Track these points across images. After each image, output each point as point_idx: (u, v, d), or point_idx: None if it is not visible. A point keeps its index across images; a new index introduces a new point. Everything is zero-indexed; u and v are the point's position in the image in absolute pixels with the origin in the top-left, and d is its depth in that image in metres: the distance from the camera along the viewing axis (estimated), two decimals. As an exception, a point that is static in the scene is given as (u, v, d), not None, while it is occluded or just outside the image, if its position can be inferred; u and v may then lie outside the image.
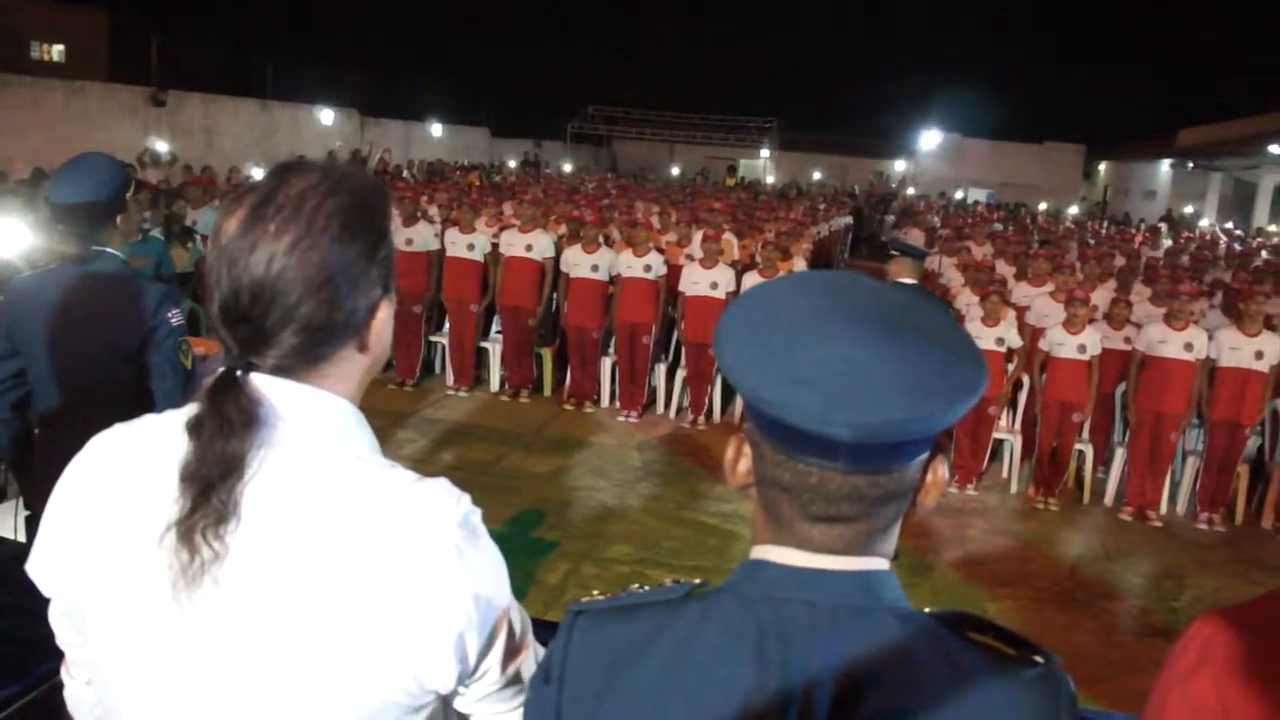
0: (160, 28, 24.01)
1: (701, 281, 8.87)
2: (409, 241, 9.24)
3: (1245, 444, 7.75)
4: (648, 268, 8.99)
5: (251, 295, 1.11)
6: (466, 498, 1.16)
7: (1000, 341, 7.82)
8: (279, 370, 1.14)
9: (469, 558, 1.12)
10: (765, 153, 42.61)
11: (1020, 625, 5.69)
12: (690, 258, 9.74)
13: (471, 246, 9.31)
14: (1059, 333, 7.76)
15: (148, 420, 1.22)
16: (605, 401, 9.34)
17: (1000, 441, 8.28)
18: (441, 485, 1.15)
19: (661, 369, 9.33)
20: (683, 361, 9.25)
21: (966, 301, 8.86)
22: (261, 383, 1.13)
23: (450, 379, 9.53)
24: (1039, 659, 1.02)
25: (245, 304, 1.11)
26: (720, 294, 8.84)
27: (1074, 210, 31.22)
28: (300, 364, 1.14)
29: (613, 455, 8.07)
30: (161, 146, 20.88)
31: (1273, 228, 25.38)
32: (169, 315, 3.03)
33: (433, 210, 11.52)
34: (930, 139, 41.44)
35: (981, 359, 1.01)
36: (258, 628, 1.07)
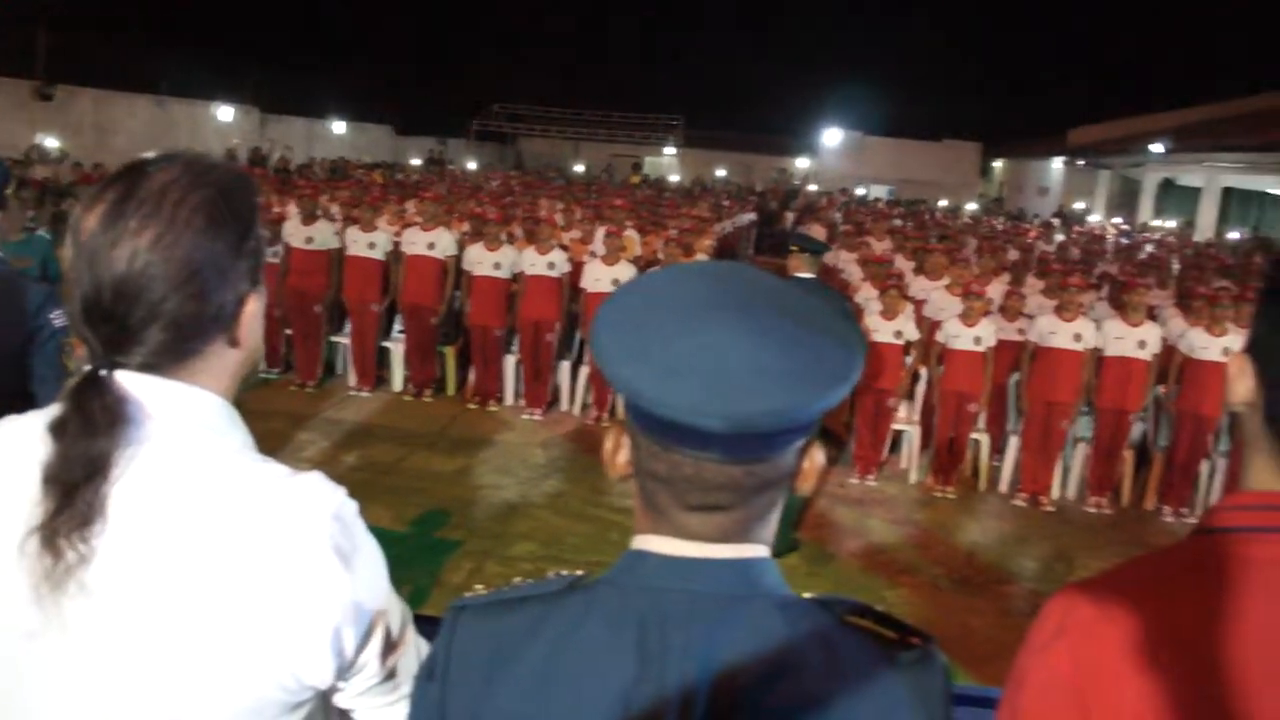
0: (48, 19, 23.20)
1: (604, 278, 8.88)
2: (309, 240, 9.11)
3: (1130, 430, 8.02)
4: (551, 265, 8.98)
5: (115, 292, 1.08)
6: (342, 491, 1.15)
7: (898, 334, 7.97)
8: (146, 368, 1.11)
9: (344, 551, 1.11)
10: (670, 150, 42.74)
11: (919, 610, 5.85)
12: (593, 255, 9.75)
13: (373, 245, 9.20)
14: (955, 325, 7.93)
15: (9, 422, 1.19)
16: (509, 399, 9.31)
17: (899, 432, 8.45)
18: (316, 479, 1.14)
19: (565, 366, 9.33)
20: (586, 358, 9.25)
21: (866, 295, 9.01)
22: (128, 381, 1.10)
23: (352, 379, 9.41)
24: (916, 641, 1.04)
25: (108, 301, 1.09)
26: (622, 290, 8.85)
27: (972, 206, 31.89)
28: (168, 361, 1.12)
29: (517, 453, 8.05)
30: (51, 143, 20.25)
31: (1156, 222, 26.24)
32: (51, 317, 2.94)
33: (334, 209, 11.36)
34: (832, 137, 41.97)
35: (855, 345, 1.02)
36: (128, 631, 1.05)
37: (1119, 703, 0.98)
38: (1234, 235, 23.62)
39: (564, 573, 1.09)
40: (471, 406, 9.15)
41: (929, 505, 7.81)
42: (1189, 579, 1.02)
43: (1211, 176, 23.25)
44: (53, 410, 1.10)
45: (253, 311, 1.20)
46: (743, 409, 0.92)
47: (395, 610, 1.22)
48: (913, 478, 8.29)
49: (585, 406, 9.29)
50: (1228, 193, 25.26)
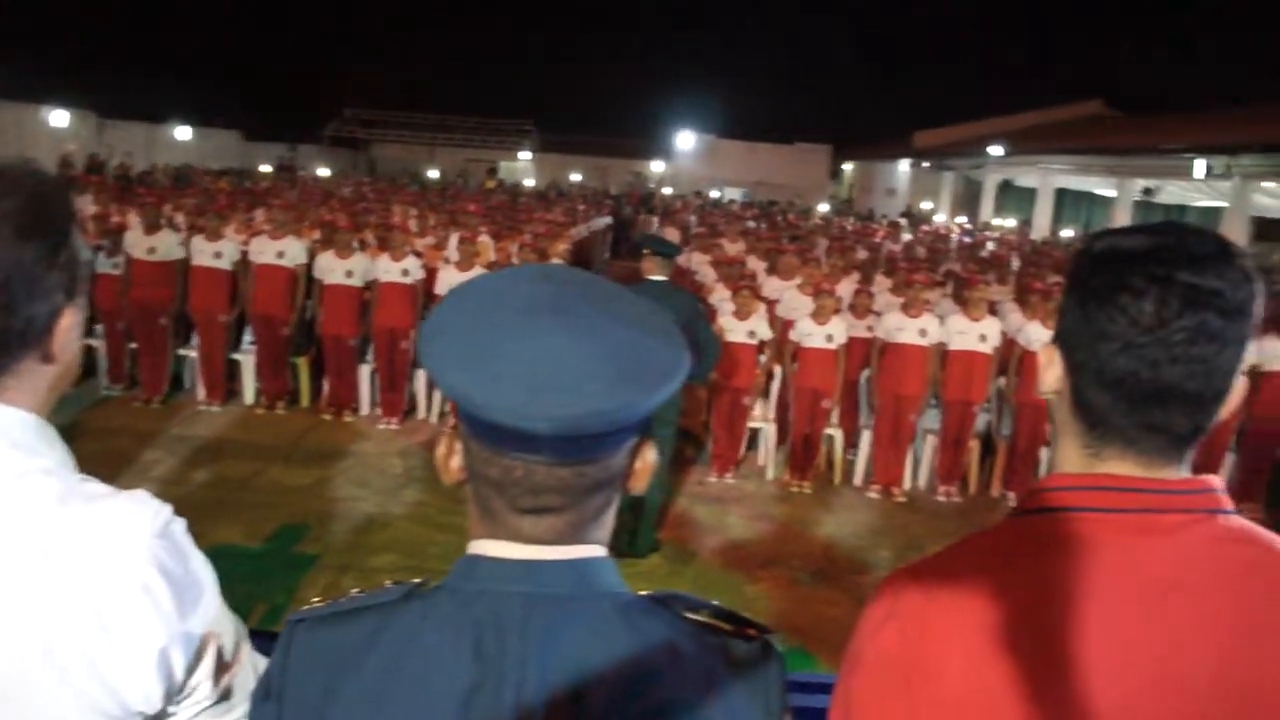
0: None
1: (456, 283, 8.78)
2: (151, 251, 8.79)
3: (975, 421, 8.32)
4: (405, 272, 8.86)
5: None
6: (167, 508, 1.11)
7: (752, 334, 8.11)
8: None
9: (170, 571, 1.07)
10: (526, 154, 42.73)
11: (778, 604, 5.96)
12: (448, 261, 9.66)
13: (219, 255, 8.92)
14: (807, 324, 8.11)
15: None
16: (365, 409, 9.15)
17: (756, 430, 8.58)
18: (138, 497, 1.10)
19: (421, 374, 9.20)
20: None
21: (720, 296, 9.14)
22: None
23: (201, 393, 9.10)
24: (753, 633, 1.06)
25: None
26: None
27: (823, 207, 32.64)
28: None
29: (374, 464, 7.91)
30: None
31: (997, 221, 27.30)
32: None
33: (178, 217, 10.99)
34: (686, 140, 42.52)
35: (680, 345, 1.03)
36: None
37: (941, 681, 1.04)
38: (1067, 233, 24.71)
39: (402, 581, 1.08)
40: (326, 418, 8.95)
41: (786, 500, 7.96)
42: (1006, 560, 1.09)
43: (1045, 178, 24.32)
44: None
45: (68, 326, 1.14)
46: (568, 411, 0.92)
47: (228, 629, 1.18)
48: (769, 474, 8.43)
49: (443, 414, 9.19)
50: (1061, 193, 26.45)
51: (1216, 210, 24.82)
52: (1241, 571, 1.07)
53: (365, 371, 9.12)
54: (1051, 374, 1.15)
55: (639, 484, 1.08)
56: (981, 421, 8.54)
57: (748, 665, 1.05)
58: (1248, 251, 1.11)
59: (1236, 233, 16.52)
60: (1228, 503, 1.11)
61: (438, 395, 9.18)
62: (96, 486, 1.09)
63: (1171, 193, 21.34)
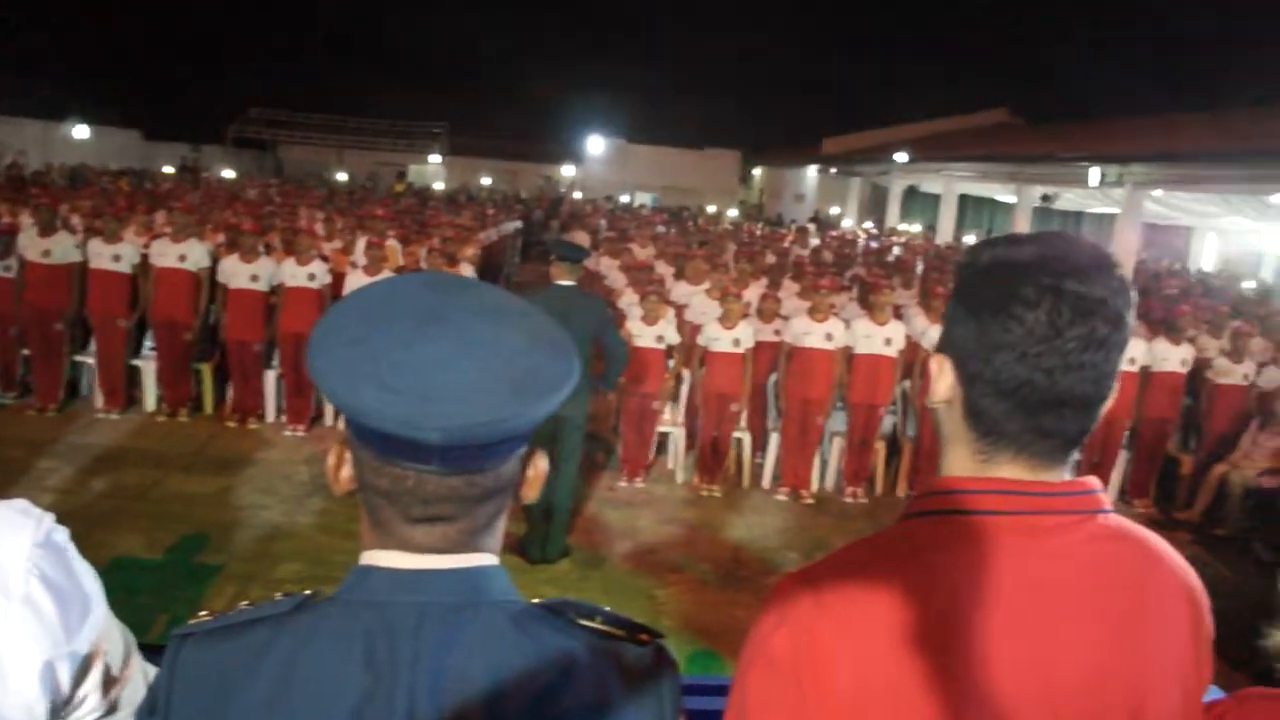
0: None
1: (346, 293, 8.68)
2: (46, 253, 8.54)
3: (881, 423, 8.46)
4: (311, 276, 8.73)
5: None
6: (49, 517, 1.08)
7: (660, 339, 8.15)
8: None
9: (53, 581, 1.04)
10: (436, 158, 42.37)
11: (688, 607, 6.00)
12: (355, 265, 9.55)
13: (118, 257, 8.69)
14: (715, 328, 8.17)
15: None
16: (271, 416, 8.99)
17: (665, 434, 8.63)
18: (18, 506, 1.07)
19: (330, 380, 9.07)
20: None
21: (628, 301, 9.17)
22: None
23: (99, 401, 8.86)
24: (645, 638, 1.08)
25: None
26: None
27: (732, 213, 32.92)
28: None
29: (280, 471, 7.78)
30: None
31: (903, 226, 27.79)
32: None
33: (75, 219, 10.69)
34: (597, 145, 42.59)
35: (571, 356, 1.04)
36: None
37: (833, 684, 1.06)
38: (970, 239, 25.24)
39: (294, 592, 1.07)
40: (231, 425, 8.78)
41: (696, 504, 8.01)
42: (895, 563, 1.11)
43: (949, 184, 24.78)
44: None
45: None
46: (458, 421, 0.94)
47: (116, 640, 1.16)
48: (679, 478, 8.48)
49: (351, 420, 9.06)
50: (964, 199, 27.00)
51: (1111, 217, 25.62)
52: (1117, 569, 1.13)
53: (271, 377, 8.96)
54: (943, 383, 1.18)
55: (531, 493, 1.09)
56: (887, 424, 8.69)
57: (641, 671, 1.06)
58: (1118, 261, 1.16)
59: (1129, 238, 17.03)
60: (1106, 502, 1.16)
61: (345, 401, 9.03)
62: None
63: (1069, 200, 21.88)
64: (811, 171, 36.46)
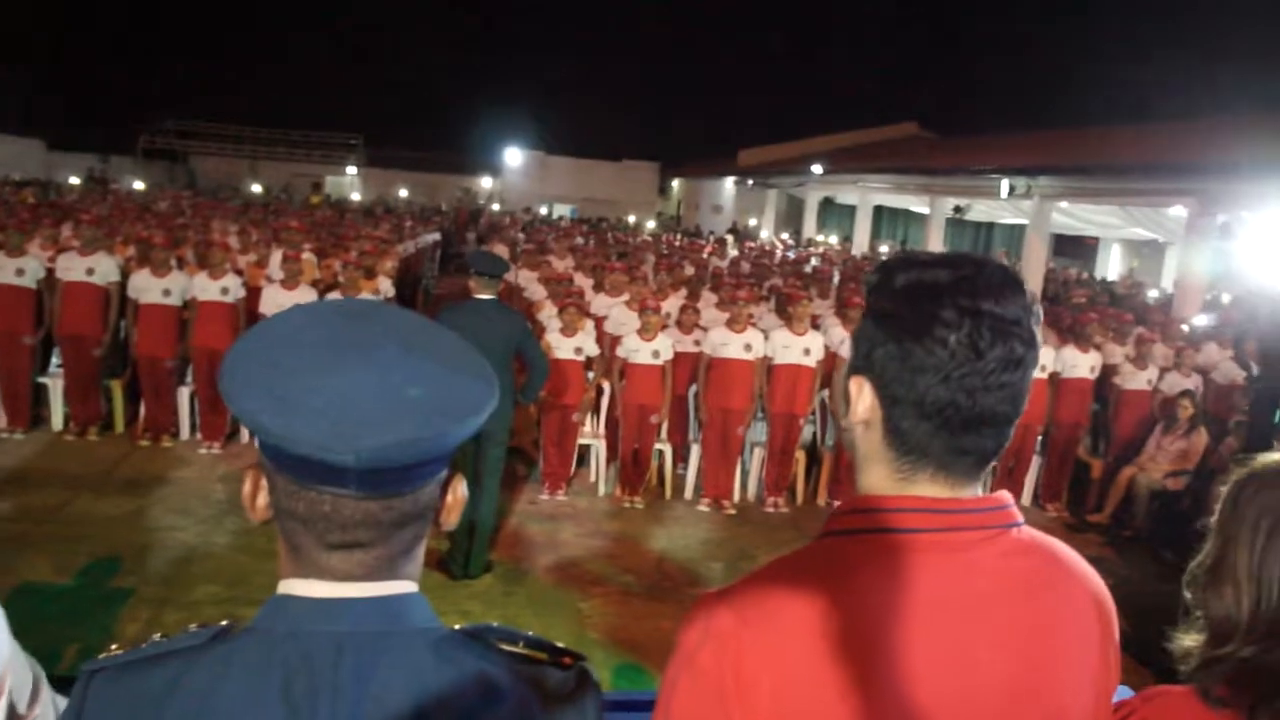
0: None
1: (283, 303, 8.56)
2: (-58, 269, 8.27)
3: (801, 432, 8.55)
4: (225, 290, 8.57)
5: None
6: None
7: (579, 351, 8.14)
8: None
9: None
10: (352, 169, 41.92)
11: (612, 619, 5.99)
12: (270, 279, 9.40)
13: (21, 272, 8.43)
14: (634, 340, 8.18)
15: None
16: (185, 434, 8.78)
17: (586, 447, 8.61)
18: None
19: (246, 396, 8.90)
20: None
21: (548, 314, 9.14)
22: None
23: (2, 420, 8.59)
24: (568, 661, 1.10)
25: None
26: (303, 315, 8.57)
27: (651, 224, 33.03)
28: None
29: (195, 490, 7.60)
30: None
31: (819, 237, 28.14)
32: None
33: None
34: (515, 157, 42.47)
35: (489, 379, 1.05)
36: None
37: (756, 701, 1.07)
38: (884, 249, 25.65)
39: (209, 624, 1.05)
40: (143, 444, 8.55)
41: (618, 516, 8.00)
42: (816, 581, 1.12)
43: (864, 196, 25.17)
44: None
45: None
46: (372, 442, 0.93)
47: (23, 672, 1.12)
48: (601, 490, 8.47)
49: (267, 437, 8.88)
50: (879, 210, 27.44)
51: (1021, 228, 26.24)
52: (1030, 582, 1.16)
53: (184, 394, 8.76)
54: (863, 405, 1.19)
55: (451, 518, 1.09)
56: (807, 433, 8.78)
57: (564, 695, 1.07)
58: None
59: (1038, 248, 17.50)
60: (1018, 516, 1.19)
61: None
62: None
63: (980, 211, 22.36)
64: (729, 183, 36.71)
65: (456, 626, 1.07)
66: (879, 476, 1.19)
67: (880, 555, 1.13)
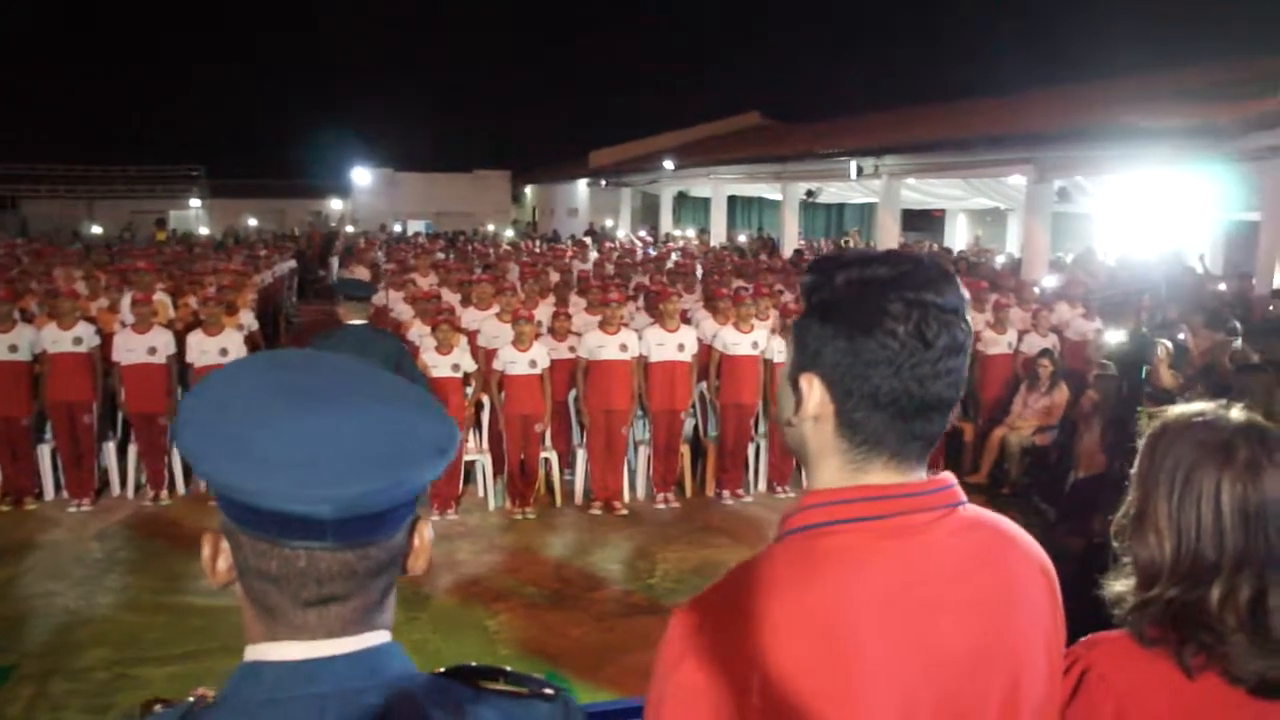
0: None
1: (138, 348, 8.27)
2: None
3: (683, 427, 8.64)
4: (78, 340, 8.23)
5: None
6: None
7: (456, 367, 8.08)
8: None
9: None
10: (196, 202, 40.54)
11: (521, 632, 5.98)
12: (124, 324, 9.06)
13: None
14: (509, 351, 8.15)
15: None
16: (49, 494, 8.41)
17: (472, 462, 8.55)
18: None
19: (110, 447, 8.59)
20: (132, 436, 8.55)
21: (419, 332, 9.05)
22: None
23: None
24: (549, 692, 1.10)
25: None
26: (160, 359, 8.31)
27: (510, 233, 32.88)
28: None
29: (69, 552, 7.28)
30: None
31: (676, 232, 28.42)
32: None
33: None
34: (363, 176, 41.74)
35: (445, 413, 1.04)
36: None
37: (745, 707, 1.11)
38: (742, 237, 26.05)
39: (174, 703, 1.03)
40: (4, 508, 8.15)
41: (511, 529, 7.97)
42: (783, 582, 1.17)
43: (717, 187, 25.49)
44: None
45: None
46: (348, 491, 0.92)
47: None
48: (491, 504, 8.42)
49: (140, 487, 8.59)
50: (733, 200, 27.85)
51: (870, 206, 26.92)
52: (982, 557, 1.24)
53: (45, 452, 8.39)
54: (813, 401, 1.22)
55: (419, 563, 1.08)
56: (688, 427, 8.88)
57: None
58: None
59: (889, 224, 18.07)
60: (961, 495, 1.26)
61: (131, 468, 8.55)
62: None
63: (830, 193, 22.88)
64: (582, 185, 36.72)
65: (440, 670, 1.07)
66: (832, 469, 1.24)
67: (843, 548, 1.18)
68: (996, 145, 14.62)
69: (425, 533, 1.08)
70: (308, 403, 0.96)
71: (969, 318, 1.22)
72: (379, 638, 1.03)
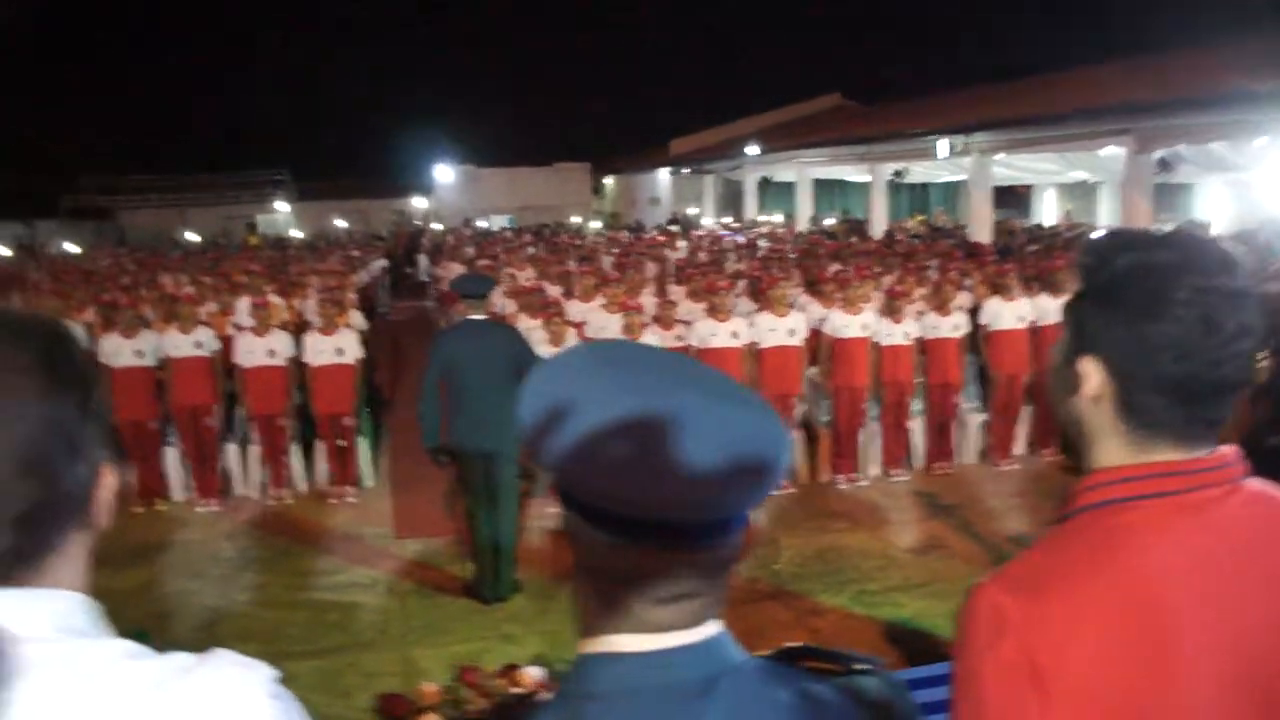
0: None
1: (258, 351, 8.44)
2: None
3: (794, 412, 8.58)
4: (198, 344, 8.44)
5: None
6: (263, 665, 0.98)
7: (569, 359, 8.08)
8: None
9: None
10: (283, 206, 41.32)
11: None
12: (239, 327, 9.24)
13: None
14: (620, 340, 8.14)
15: None
16: (178, 495, 8.63)
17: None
18: (233, 659, 0.96)
19: (232, 448, 8.79)
20: (253, 436, 8.74)
21: (525, 326, 9.06)
22: None
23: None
24: (861, 666, 1.09)
25: None
26: (280, 360, 8.47)
27: (596, 224, 32.96)
28: (19, 567, 0.91)
29: (203, 550, 7.47)
30: None
31: (762, 218, 28.21)
32: None
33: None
34: (445, 173, 42.10)
35: (768, 404, 1.02)
36: None
37: (1067, 681, 1.11)
38: (830, 221, 25.84)
39: (503, 700, 1.04)
40: (138, 510, 8.36)
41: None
42: (1085, 557, 1.18)
43: (802, 171, 25.23)
44: None
45: (109, 485, 1.00)
46: (718, 495, 0.91)
47: None
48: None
49: (263, 486, 8.77)
50: (817, 183, 27.55)
51: (954, 185, 26.48)
52: (1270, 527, 1.22)
53: (171, 454, 8.61)
54: (1092, 383, 1.24)
55: (749, 551, 1.06)
56: (799, 411, 8.81)
57: (883, 701, 1.08)
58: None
59: (982, 203, 17.75)
60: (1246, 468, 1.25)
61: (253, 467, 8.74)
62: (181, 659, 0.93)
63: (917, 173, 22.56)
64: (664, 174, 36.65)
65: (760, 654, 1.06)
66: (1113, 449, 1.25)
67: (1146, 522, 1.19)
68: (1093, 117, 14.27)
69: (753, 526, 1.06)
70: (654, 402, 0.93)
71: (1258, 302, 1.21)
72: (715, 628, 1.02)
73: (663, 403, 0.93)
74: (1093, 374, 1.23)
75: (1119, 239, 1.25)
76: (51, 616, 0.92)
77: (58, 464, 0.92)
